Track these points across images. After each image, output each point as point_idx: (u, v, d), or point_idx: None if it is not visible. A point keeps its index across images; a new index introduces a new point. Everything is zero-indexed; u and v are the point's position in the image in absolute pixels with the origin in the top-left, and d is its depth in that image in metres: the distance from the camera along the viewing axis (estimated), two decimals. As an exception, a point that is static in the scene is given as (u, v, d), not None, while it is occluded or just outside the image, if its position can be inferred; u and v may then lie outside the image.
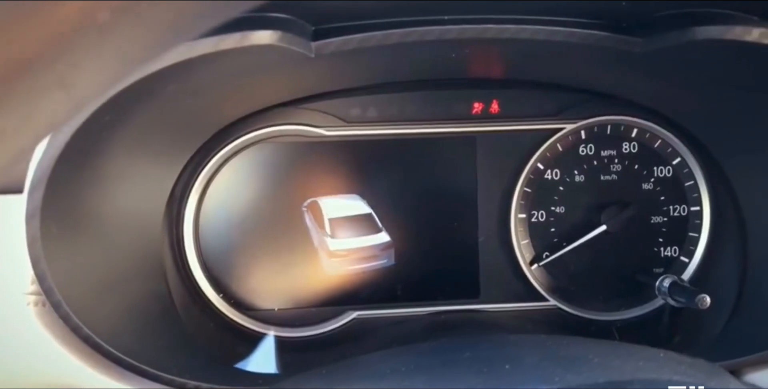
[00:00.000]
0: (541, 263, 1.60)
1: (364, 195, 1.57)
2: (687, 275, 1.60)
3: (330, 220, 1.55)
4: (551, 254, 1.60)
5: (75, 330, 1.08)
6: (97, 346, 1.09)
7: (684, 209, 1.62)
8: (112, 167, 1.16)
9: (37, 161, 0.97)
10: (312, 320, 1.58)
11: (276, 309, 1.57)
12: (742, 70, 1.19)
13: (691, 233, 1.62)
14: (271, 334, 1.54)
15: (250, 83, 1.29)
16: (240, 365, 1.38)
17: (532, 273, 1.60)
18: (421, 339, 1.52)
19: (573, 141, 1.59)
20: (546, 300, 1.60)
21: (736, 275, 1.48)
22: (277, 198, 1.55)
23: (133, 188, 1.27)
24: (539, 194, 1.60)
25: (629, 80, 1.46)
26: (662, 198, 1.61)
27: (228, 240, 1.55)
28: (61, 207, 1.05)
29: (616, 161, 1.60)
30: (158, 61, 0.88)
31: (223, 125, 1.45)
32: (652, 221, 1.62)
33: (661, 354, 1.01)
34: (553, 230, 1.61)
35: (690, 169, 1.60)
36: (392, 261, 1.58)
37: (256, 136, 1.50)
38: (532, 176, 1.59)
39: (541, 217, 1.60)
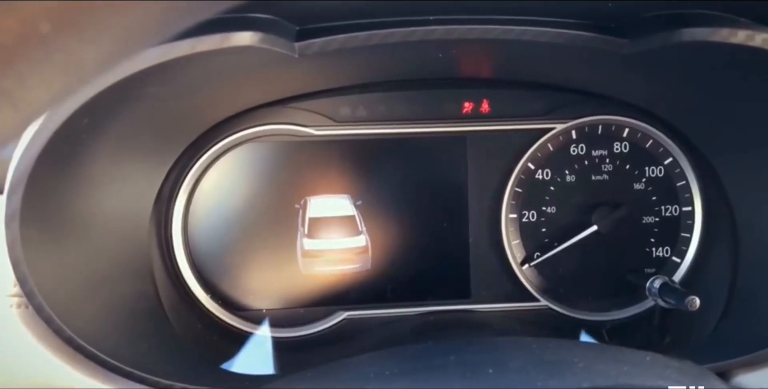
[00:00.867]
0: (532, 264, 1.60)
1: (353, 195, 1.56)
2: (678, 275, 1.60)
3: (309, 219, 1.54)
4: (542, 255, 1.59)
5: (58, 332, 1.07)
6: (81, 348, 1.09)
7: (676, 209, 1.61)
8: (96, 169, 1.15)
9: (14, 165, 0.96)
10: (302, 320, 1.57)
11: (265, 309, 1.56)
12: (730, 71, 1.18)
13: (682, 234, 1.61)
14: (260, 334, 1.54)
15: (235, 83, 1.28)
16: (227, 366, 1.37)
17: (523, 274, 1.60)
18: (411, 340, 1.51)
19: (564, 141, 1.58)
20: (537, 300, 1.60)
21: (728, 276, 1.47)
22: (266, 198, 1.54)
23: (119, 190, 1.26)
24: (530, 194, 1.59)
25: (620, 80, 1.45)
26: (654, 198, 1.60)
27: (217, 240, 1.54)
28: (43, 209, 1.04)
29: (607, 161, 1.59)
30: (117, 70, 0.87)
31: (210, 125, 1.44)
32: (643, 222, 1.61)
33: (648, 358, 1.00)
34: (544, 230, 1.60)
35: (681, 169, 1.59)
36: (368, 266, 1.57)
37: (244, 135, 1.50)
38: (522, 176, 1.58)
39: (532, 217, 1.60)
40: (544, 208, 1.60)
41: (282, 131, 1.51)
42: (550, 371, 0.91)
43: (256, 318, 1.55)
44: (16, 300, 1.09)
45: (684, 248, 1.61)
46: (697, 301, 1.36)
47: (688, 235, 1.61)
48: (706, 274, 1.57)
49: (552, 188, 1.59)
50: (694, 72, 1.25)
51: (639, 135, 1.59)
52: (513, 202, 1.58)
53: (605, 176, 1.59)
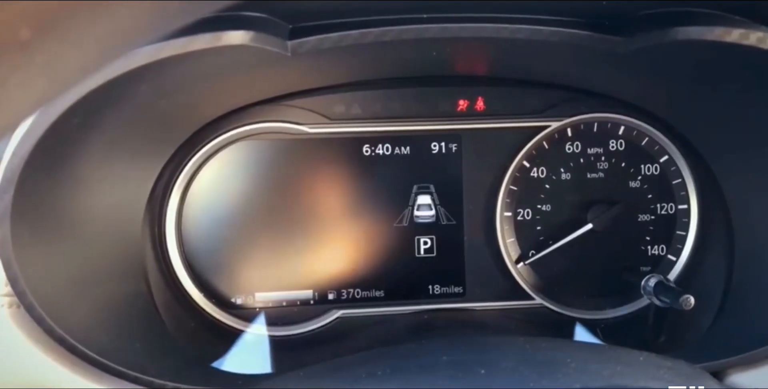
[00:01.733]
0: (527, 262, 1.59)
1: (348, 192, 1.56)
2: (674, 274, 1.60)
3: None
4: (537, 253, 1.59)
5: (49, 332, 1.07)
6: (73, 348, 1.08)
7: (671, 207, 1.61)
8: (87, 168, 1.14)
9: (5, 164, 0.95)
10: (296, 319, 1.57)
11: (259, 307, 1.56)
12: (725, 69, 1.17)
13: (678, 232, 1.61)
14: (254, 333, 1.54)
15: (228, 82, 1.27)
16: (221, 365, 1.37)
17: (518, 272, 1.59)
18: (406, 339, 1.51)
19: (559, 139, 1.58)
20: (532, 298, 1.59)
21: (723, 275, 1.47)
22: (260, 196, 1.53)
23: (111, 189, 1.25)
24: (525, 192, 1.59)
25: (615, 78, 1.45)
26: (649, 196, 1.60)
27: (211, 238, 1.53)
28: (33, 209, 1.03)
29: (602, 158, 1.59)
30: (108, 69, 0.86)
31: (203, 123, 1.44)
32: (639, 220, 1.61)
33: (641, 358, 1.00)
34: (539, 228, 1.60)
35: (677, 167, 1.59)
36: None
37: (238, 133, 1.49)
38: (518, 174, 1.57)
39: (527, 215, 1.59)
40: (539, 206, 1.59)
41: (276, 129, 1.51)
42: (543, 371, 0.91)
43: (249, 317, 1.55)
44: (7, 299, 1.09)
45: (679, 246, 1.61)
46: (692, 300, 1.35)
47: (683, 233, 1.61)
48: (701, 273, 1.57)
49: (547, 186, 1.59)
50: (690, 70, 1.24)
51: (635, 133, 1.58)
52: (508, 200, 1.58)
53: (601, 174, 1.59)
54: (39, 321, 1.05)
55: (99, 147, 1.14)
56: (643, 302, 1.59)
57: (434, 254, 1.59)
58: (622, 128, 1.58)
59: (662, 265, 1.61)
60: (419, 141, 1.56)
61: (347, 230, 1.57)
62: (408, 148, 1.56)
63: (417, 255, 1.59)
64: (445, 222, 1.59)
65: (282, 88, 1.46)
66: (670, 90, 1.40)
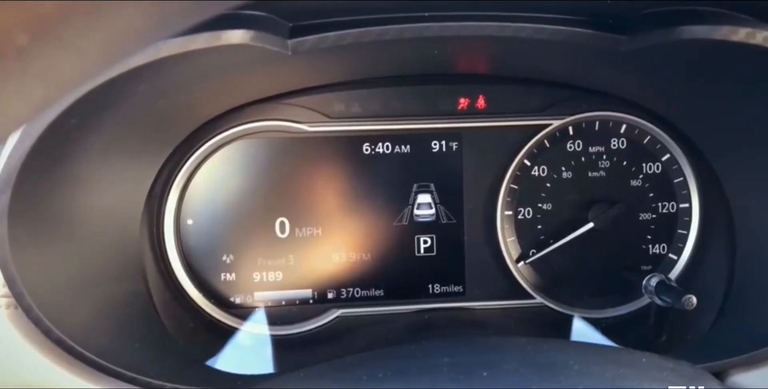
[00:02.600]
0: (528, 261, 1.59)
1: (348, 191, 1.55)
2: (675, 273, 1.59)
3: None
4: (538, 252, 1.58)
5: (47, 333, 1.06)
6: (70, 349, 1.08)
7: (673, 206, 1.60)
8: (85, 168, 1.13)
9: (2, 165, 0.95)
10: (295, 318, 1.56)
11: (258, 307, 1.55)
12: (730, 69, 1.17)
13: (680, 231, 1.60)
14: (253, 333, 1.53)
15: (228, 80, 1.26)
16: (220, 365, 1.36)
17: (519, 271, 1.59)
18: (406, 339, 1.51)
19: (560, 137, 1.57)
20: (532, 297, 1.59)
21: (724, 274, 1.46)
22: (259, 194, 1.53)
23: (109, 188, 1.24)
24: (526, 191, 1.58)
25: (617, 76, 1.44)
26: (651, 195, 1.59)
27: (210, 237, 1.53)
28: (31, 209, 1.03)
29: (604, 157, 1.58)
30: (98, 77, 0.85)
31: (202, 121, 1.43)
32: (640, 219, 1.60)
33: (644, 359, 1.00)
34: (539, 227, 1.59)
35: (679, 165, 1.58)
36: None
37: (237, 132, 1.48)
38: (518, 173, 1.57)
39: (528, 214, 1.59)
40: (540, 205, 1.59)
41: (275, 128, 1.50)
42: (545, 373, 0.91)
43: (249, 316, 1.54)
44: (4, 300, 1.08)
45: (681, 245, 1.60)
46: (694, 300, 1.35)
47: (685, 232, 1.60)
48: (702, 272, 1.56)
49: (548, 184, 1.58)
50: (693, 69, 1.23)
51: (636, 132, 1.58)
52: (509, 199, 1.57)
53: (602, 173, 1.58)
54: (37, 322, 1.05)
55: (97, 147, 1.13)
56: (644, 301, 1.58)
57: (434, 253, 1.58)
58: (624, 126, 1.57)
59: (663, 264, 1.60)
60: (419, 140, 1.55)
61: (347, 229, 1.56)
62: (408, 146, 1.55)
63: (417, 254, 1.58)
64: (445, 221, 1.58)
65: (281, 87, 1.45)
66: (673, 89, 1.39)
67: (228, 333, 1.51)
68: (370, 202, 1.56)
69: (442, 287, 1.59)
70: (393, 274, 1.58)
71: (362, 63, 1.39)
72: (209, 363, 1.36)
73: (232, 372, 1.30)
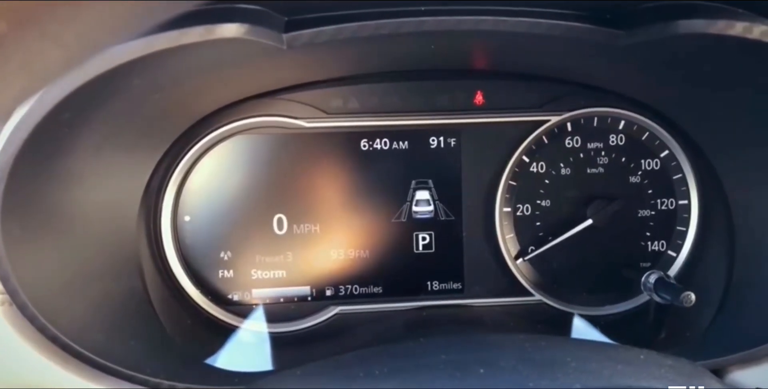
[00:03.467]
0: (527, 258, 1.58)
1: (346, 187, 1.54)
2: (674, 270, 1.59)
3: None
4: (536, 249, 1.58)
5: (42, 331, 1.05)
6: (66, 346, 1.07)
7: (672, 202, 1.59)
8: (80, 163, 1.12)
9: (-6, 161, 0.94)
10: (294, 315, 1.56)
11: (256, 304, 1.54)
12: (728, 64, 1.16)
13: (678, 227, 1.60)
14: (251, 330, 1.52)
15: (223, 75, 1.25)
16: (217, 362, 1.36)
17: (517, 268, 1.58)
18: (404, 336, 1.50)
19: (559, 133, 1.57)
20: (531, 294, 1.59)
21: (723, 271, 1.46)
22: (257, 191, 1.52)
23: (105, 184, 1.23)
24: (524, 188, 1.57)
25: (616, 72, 1.43)
26: (650, 191, 1.59)
27: (207, 234, 1.52)
28: (25, 205, 1.02)
29: (602, 153, 1.57)
30: (98, 64, 0.84)
31: (198, 117, 1.42)
32: (639, 215, 1.59)
33: (642, 356, 0.99)
34: (538, 224, 1.59)
35: (678, 162, 1.58)
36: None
37: (234, 127, 1.48)
38: (517, 169, 1.56)
39: (527, 211, 1.58)
40: (538, 201, 1.58)
41: (272, 123, 1.49)
42: (542, 370, 0.90)
43: (247, 313, 1.54)
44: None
45: (680, 242, 1.60)
46: (693, 297, 1.34)
47: (684, 229, 1.59)
48: (701, 269, 1.56)
49: (547, 181, 1.57)
50: (691, 64, 1.22)
51: (635, 127, 1.57)
52: (507, 195, 1.56)
53: (600, 169, 1.58)
54: (32, 319, 1.04)
55: (92, 142, 1.13)
56: (643, 298, 1.58)
57: (433, 250, 1.58)
58: (623, 122, 1.57)
59: (662, 261, 1.60)
60: (418, 136, 1.55)
61: (345, 226, 1.55)
62: (406, 143, 1.55)
63: (415, 251, 1.57)
64: (443, 218, 1.57)
65: (278, 82, 1.44)
66: (672, 84, 1.38)
67: (226, 330, 1.51)
68: (368, 199, 1.55)
69: (441, 285, 1.59)
70: (391, 271, 1.57)
71: (360, 58, 1.38)
72: (207, 360, 1.35)
73: (230, 370, 1.30)
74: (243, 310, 1.54)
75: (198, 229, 1.51)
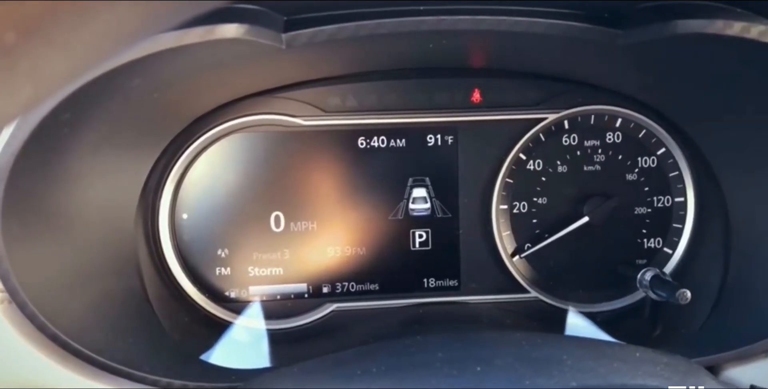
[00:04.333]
0: (523, 255, 1.59)
1: (343, 185, 1.55)
2: (670, 267, 1.59)
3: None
4: (533, 246, 1.58)
5: (42, 329, 1.06)
6: (65, 344, 1.07)
7: (668, 199, 1.60)
8: (79, 162, 1.13)
9: (-6, 161, 0.94)
10: (290, 312, 1.56)
11: (253, 301, 1.55)
12: (725, 63, 1.16)
13: (675, 225, 1.60)
14: (248, 327, 1.53)
15: (222, 74, 1.26)
16: (214, 360, 1.36)
17: (514, 265, 1.59)
18: (401, 333, 1.51)
19: (556, 131, 1.57)
20: (527, 291, 1.59)
21: (719, 268, 1.47)
22: (255, 188, 1.52)
23: (103, 182, 1.24)
24: (521, 185, 1.58)
25: (613, 70, 1.44)
26: (646, 189, 1.59)
27: (205, 231, 1.52)
28: (24, 204, 1.02)
29: (599, 151, 1.58)
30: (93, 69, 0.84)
31: (196, 115, 1.42)
32: (635, 213, 1.60)
33: (638, 354, 1.00)
34: (535, 221, 1.59)
35: (674, 159, 1.58)
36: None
37: (232, 126, 1.48)
38: (514, 167, 1.56)
39: (523, 208, 1.59)
40: (535, 199, 1.59)
41: (270, 121, 1.49)
42: (538, 368, 0.91)
43: (244, 310, 1.54)
44: (-1, 295, 1.08)
45: (676, 239, 1.60)
46: (689, 294, 1.35)
47: (680, 226, 1.60)
48: (697, 266, 1.57)
49: (543, 178, 1.58)
50: (689, 63, 1.23)
51: (632, 125, 1.57)
52: (504, 193, 1.57)
53: (597, 167, 1.58)
54: (31, 317, 1.04)
55: (91, 141, 1.13)
56: (639, 295, 1.59)
57: (429, 248, 1.58)
58: (619, 120, 1.57)
59: (658, 258, 1.61)
60: (415, 134, 1.55)
61: (342, 224, 1.56)
62: (404, 140, 1.55)
63: (412, 248, 1.58)
64: (440, 215, 1.58)
65: (277, 81, 1.44)
66: (669, 83, 1.39)
67: (223, 327, 1.51)
68: (366, 196, 1.56)
69: (437, 282, 1.59)
70: (388, 268, 1.58)
71: (358, 57, 1.38)
72: (204, 357, 1.36)
73: (227, 367, 1.30)
74: (240, 307, 1.55)
75: (195, 227, 1.52)
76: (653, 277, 1.47)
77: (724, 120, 1.38)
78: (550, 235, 1.57)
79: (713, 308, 1.42)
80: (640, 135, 1.58)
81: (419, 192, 1.57)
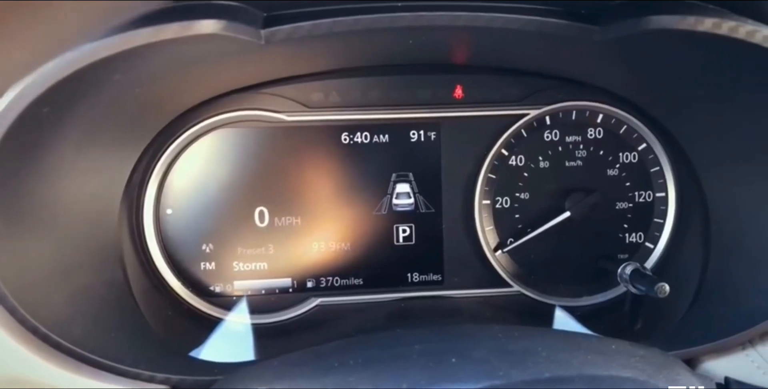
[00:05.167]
0: (505, 250, 1.60)
1: (327, 180, 1.56)
2: (651, 261, 1.61)
3: None
4: (515, 241, 1.59)
5: (22, 322, 1.06)
6: (46, 338, 1.07)
7: (649, 195, 1.62)
8: (61, 157, 1.13)
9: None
10: (275, 306, 1.57)
11: (238, 295, 1.56)
12: (701, 58, 1.17)
13: (656, 219, 1.62)
14: (233, 321, 1.54)
15: (204, 70, 1.26)
16: (198, 353, 1.37)
17: (496, 260, 1.60)
18: (384, 327, 1.52)
19: (538, 127, 1.58)
20: (510, 286, 1.61)
21: (699, 263, 1.48)
22: (238, 184, 1.53)
23: (85, 178, 1.24)
24: (504, 180, 1.59)
25: (593, 66, 1.45)
26: (627, 184, 1.61)
27: (190, 226, 1.53)
28: (6, 200, 1.02)
29: (581, 146, 1.59)
30: (74, 59, 0.85)
31: (179, 111, 1.43)
32: (617, 208, 1.62)
33: (614, 346, 1.01)
34: (517, 216, 1.60)
35: (655, 155, 1.60)
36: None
37: (216, 121, 1.49)
38: (496, 162, 1.58)
39: (506, 203, 1.60)
40: (517, 194, 1.60)
41: (254, 117, 1.50)
42: (513, 361, 0.92)
43: (229, 305, 1.55)
44: (-21, 289, 1.08)
45: (657, 234, 1.62)
46: (667, 288, 1.36)
47: (661, 221, 1.62)
48: (678, 261, 1.58)
49: (525, 174, 1.59)
50: (666, 59, 1.24)
51: (613, 121, 1.59)
52: (486, 188, 1.58)
53: (579, 162, 1.60)
54: (12, 311, 1.04)
55: (73, 136, 1.13)
56: (621, 289, 1.60)
57: (413, 243, 1.59)
58: (601, 116, 1.58)
59: (640, 253, 1.62)
60: (398, 129, 1.56)
61: (326, 219, 1.57)
62: (387, 136, 1.56)
63: (396, 243, 1.59)
64: (423, 210, 1.59)
65: (259, 77, 1.45)
66: (648, 78, 1.40)
67: (207, 321, 1.52)
68: (349, 191, 1.57)
69: (421, 276, 1.60)
70: (372, 263, 1.59)
71: (339, 53, 1.39)
72: (188, 351, 1.36)
73: (211, 361, 1.31)
74: (225, 302, 1.56)
75: (180, 222, 1.52)
76: (633, 271, 1.49)
77: (704, 115, 1.39)
78: (533, 230, 1.58)
79: (693, 302, 1.44)
80: (622, 131, 1.59)
81: (403, 187, 1.58)
